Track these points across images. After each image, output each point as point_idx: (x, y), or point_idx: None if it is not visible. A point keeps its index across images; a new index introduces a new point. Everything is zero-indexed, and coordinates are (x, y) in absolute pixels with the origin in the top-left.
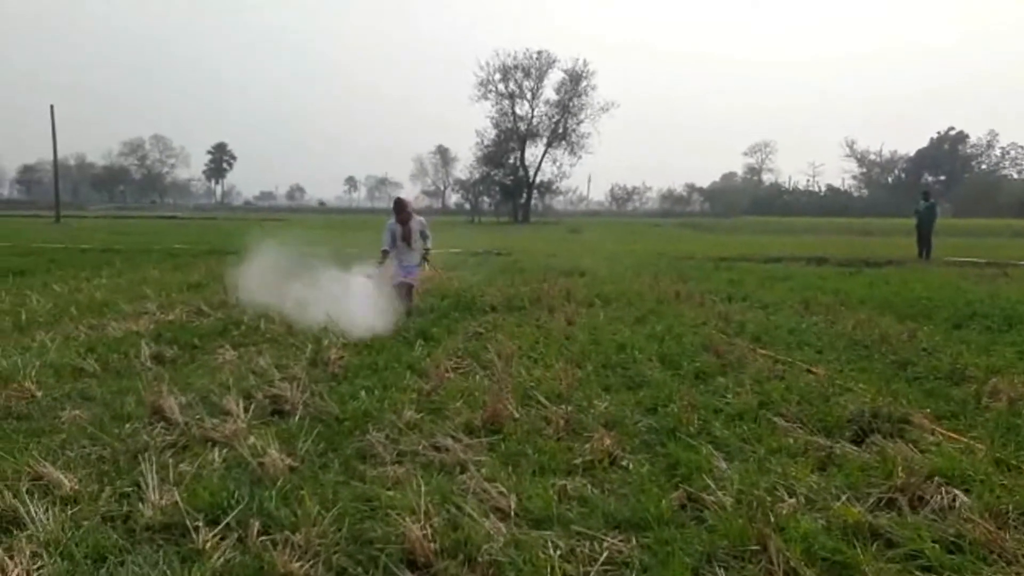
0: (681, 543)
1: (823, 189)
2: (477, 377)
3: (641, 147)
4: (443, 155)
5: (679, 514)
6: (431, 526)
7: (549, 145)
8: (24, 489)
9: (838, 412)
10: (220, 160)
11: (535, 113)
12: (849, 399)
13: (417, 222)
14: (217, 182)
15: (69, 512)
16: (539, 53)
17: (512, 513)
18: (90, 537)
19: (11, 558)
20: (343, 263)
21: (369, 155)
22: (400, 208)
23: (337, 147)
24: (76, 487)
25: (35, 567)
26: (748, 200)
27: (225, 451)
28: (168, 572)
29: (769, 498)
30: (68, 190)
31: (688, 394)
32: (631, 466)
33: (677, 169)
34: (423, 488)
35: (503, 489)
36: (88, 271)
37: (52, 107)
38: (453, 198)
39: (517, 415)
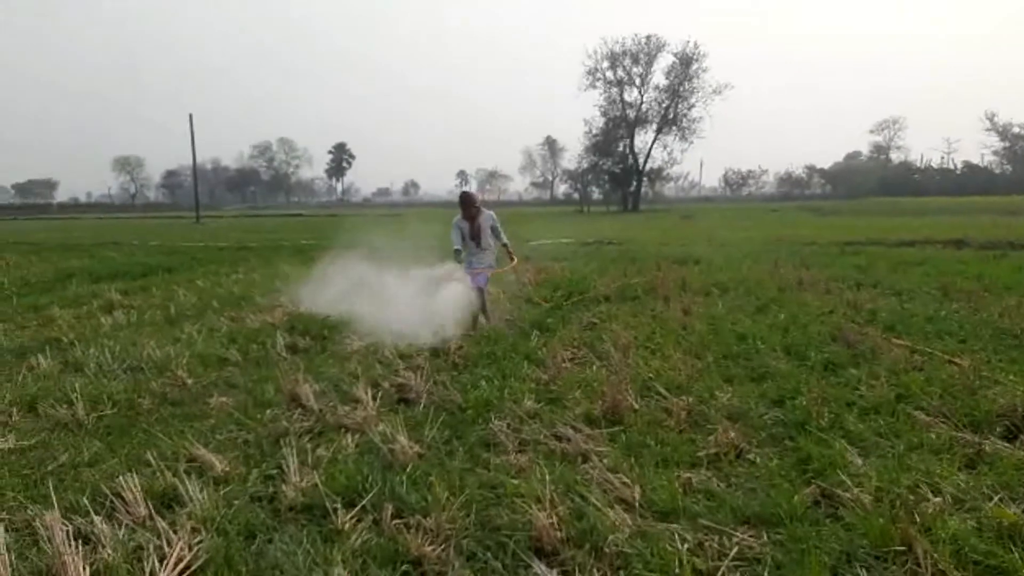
0: (817, 541)
1: (959, 167)
2: (594, 367)
3: (756, 129)
4: (551, 146)
5: (813, 511)
6: (556, 515)
7: (659, 131)
8: (182, 469)
9: (986, 406)
10: (340, 159)
11: (644, 99)
12: (999, 392)
13: (487, 217)
14: (337, 180)
15: (221, 492)
16: (648, 38)
17: (637, 504)
18: (241, 515)
19: (175, 532)
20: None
21: (479, 149)
22: (467, 203)
23: (448, 142)
24: (226, 468)
25: (195, 541)
26: (874, 181)
27: (357, 437)
28: (311, 550)
29: (912, 497)
30: (205, 192)
31: (817, 386)
32: (758, 460)
33: (795, 151)
34: (547, 477)
35: (626, 480)
36: (226, 267)
37: (191, 116)
38: (561, 188)
39: (637, 406)
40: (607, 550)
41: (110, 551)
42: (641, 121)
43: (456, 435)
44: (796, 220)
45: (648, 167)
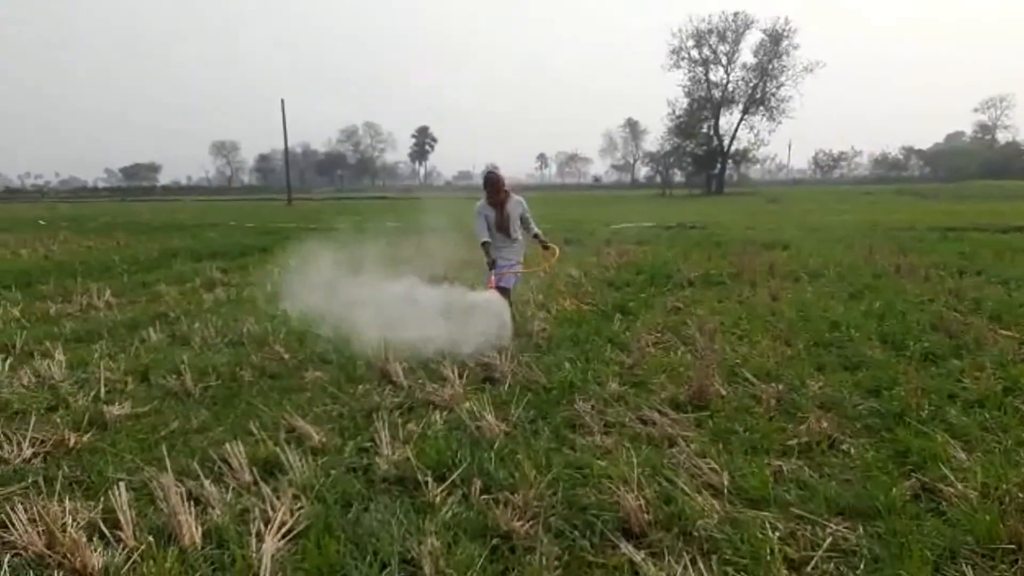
0: (917, 535)
1: None
2: (679, 352)
3: (849, 109)
4: (632, 128)
5: (912, 505)
6: (644, 497)
7: (745, 111)
8: (283, 439)
9: None
10: (423, 143)
11: (730, 78)
12: None
13: (515, 203)
14: (420, 163)
15: (319, 461)
16: (735, 15)
17: (725, 490)
18: (338, 485)
19: (278, 498)
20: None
21: (559, 131)
22: (493, 185)
23: (529, 125)
24: (323, 440)
25: (296, 507)
26: (978, 163)
27: (445, 414)
28: (404, 521)
29: (1022, 494)
30: (295, 175)
31: (916, 377)
32: (852, 451)
33: (890, 131)
34: (634, 460)
35: (715, 466)
36: (319, 248)
37: (283, 101)
38: (643, 171)
39: (724, 392)
40: (696, 534)
41: (219, 513)
42: (727, 101)
43: (541, 415)
44: (893, 204)
45: (733, 149)
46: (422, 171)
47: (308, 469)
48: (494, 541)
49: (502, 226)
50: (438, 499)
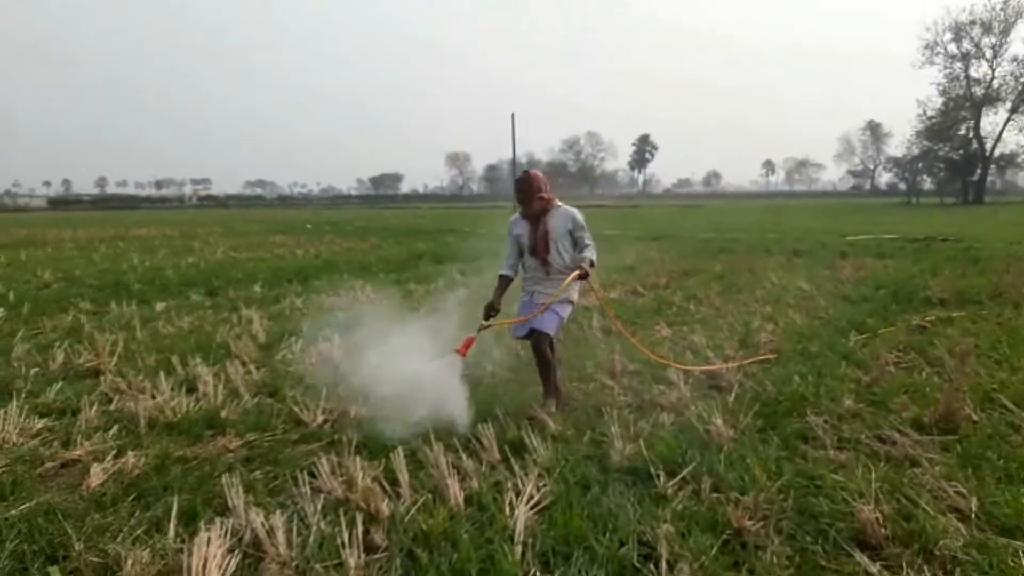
0: None
1: None
2: (923, 373)
3: None
4: (874, 131)
5: None
6: (881, 512)
7: (1014, 110)
8: (527, 425)
9: None
10: (643, 151)
11: (996, 74)
12: None
13: (561, 217)
14: (639, 171)
15: (558, 447)
16: (1004, 2)
17: (973, 515)
18: (577, 468)
19: (526, 475)
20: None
21: (786, 137)
22: (524, 191)
23: (753, 131)
24: (559, 429)
25: (541, 484)
26: None
27: (673, 416)
28: (639, 507)
29: None
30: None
31: None
32: None
33: None
34: (872, 475)
35: (962, 490)
36: None
37: (512, 115)
38: (884, 178)
39: (976, 417)
40: (937, 553)
41: (477, 483)
42: (991, 100)
43: (770, 425)
44: None
45: (998, 152)
46: (641, 179)
47: (549, 452)
48: (725, 535)
49: (537, 248)
50: (670, 491)
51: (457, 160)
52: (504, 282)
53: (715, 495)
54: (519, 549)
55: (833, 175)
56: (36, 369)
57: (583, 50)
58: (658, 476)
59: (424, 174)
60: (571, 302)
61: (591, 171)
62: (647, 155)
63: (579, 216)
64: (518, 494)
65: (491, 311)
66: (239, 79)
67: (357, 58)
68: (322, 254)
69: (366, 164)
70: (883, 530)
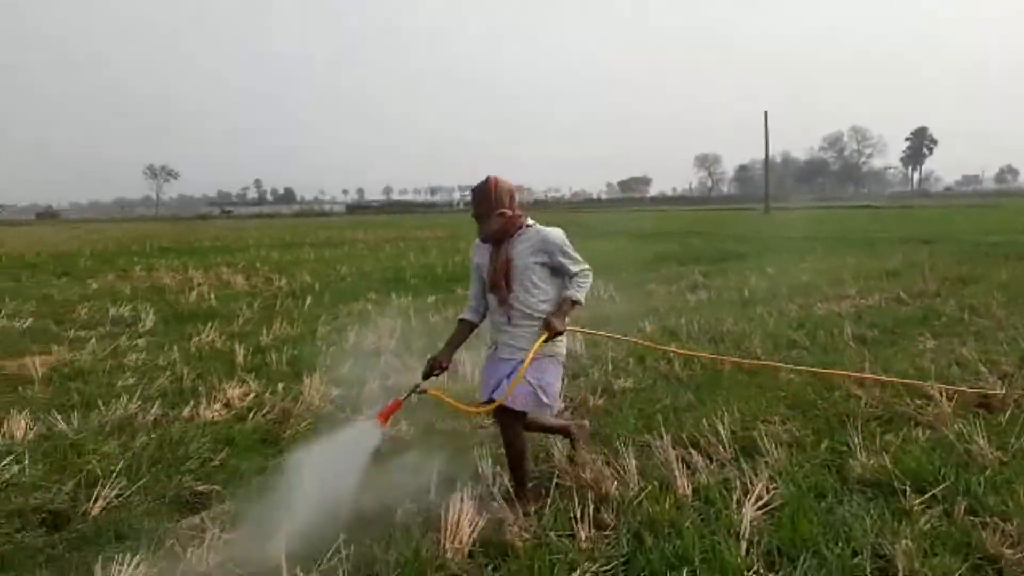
0: None
1: None
2: None
3: None
4: None
5: None
6: None
7: None
8: (760, 427)
9: None
10: (919, 146)
11: None
12: None
13: (532, 240)
14: (914, 168)
15: (792, 452)
16: None
17: None
18: (812, 475)
19: (755, 475)
20: None
21: None
22: (482, 203)
23: None
24: (796, 434)
25: (771, 486)
26: None
27: (928, 432)
28: (879, 521)
29: None
30: (773, 184)
31: None
32: None
33: None
34: None
35: None
36: (794, 257)
37: (766, 113)
38: None
39: None
40: None
41: (705, 477)
42: None
43: None
44: None
45: None
46: (915, 176)
47: (782, 456)
48: (975, 559)
49: (495, 283)
50: (916, 508)
51: (706, 161)
52: (463, 328)
53: (970, 518)
54: (743, 545)
55: None
56: (333, 347)
57: (848, 42)
58: (903, 491)
59: (672, 177)
60: (556, 357)
61: (855, 169)
62: (924, 150)
63: (557, 238)
64: (746, 493)
65: (434, 368)
66: (501, 96)
67: (605, 59)
68: None
69: (615, 168)
70: None
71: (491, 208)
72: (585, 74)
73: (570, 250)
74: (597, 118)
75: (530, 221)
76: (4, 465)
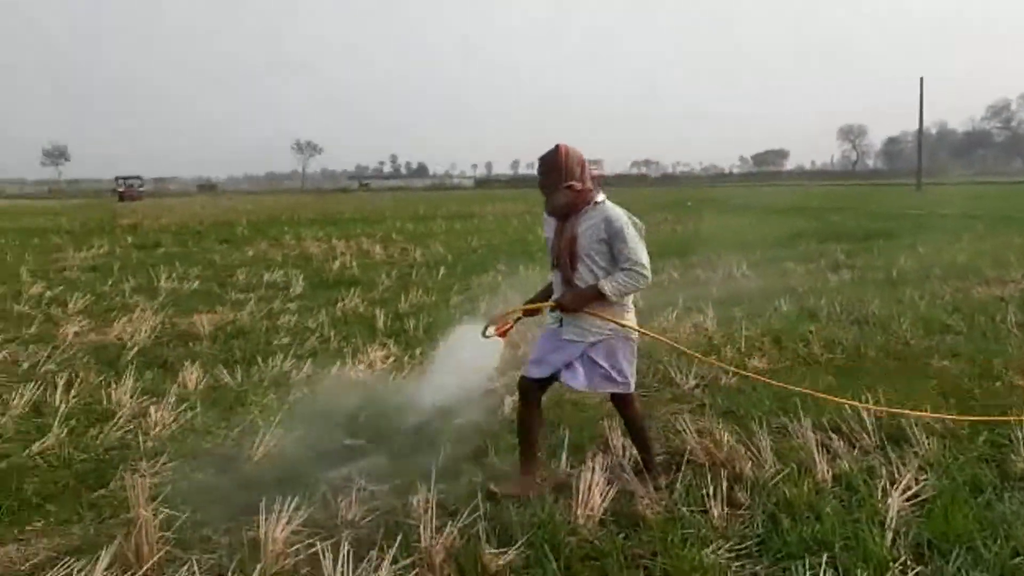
0: None
1: None
2: None
3: None
4: None
5: None
6: None
7: None
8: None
9: None
10: None
11: None
12: None
13: (597, 219)
14: None
15: (945, 443)
16: None
17: None
18: (968, 468)
19: (904, 464)
20: None
21: None
22: (549, 174)
23: None
24: (951, 426)
25: (921, 477)
26: None
27: None
28: None
29: None
30: (926, 157)
31: None
32: None
33: None
34: None
35: None
36: (949, 236)
37: (921, 79)
38: None
39: None
40: None
41: (847, 464)
42: None
43: None
44: None
45: None
46: None
47: (934, 447)
48: None
49: (559, 261)
50: None
51: (851, 133)
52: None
53: None
54: (889, 535)
55: None
56: (467, 316)
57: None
58: None
59: (811, 150)
60: (627, 338)
61: (1023, 140)
62: None
63: (620, 221)
64: (893, 482)
65: (531, 310)
66: (629, 69)
67: (743, 18)
68: (700, 231)
69: (749, 141)
70: None
71: (560, 179)
72: (715, 42)
73: (629, 238)
74: (730, 86)
75: (600, 196)
76: (180, 411)
